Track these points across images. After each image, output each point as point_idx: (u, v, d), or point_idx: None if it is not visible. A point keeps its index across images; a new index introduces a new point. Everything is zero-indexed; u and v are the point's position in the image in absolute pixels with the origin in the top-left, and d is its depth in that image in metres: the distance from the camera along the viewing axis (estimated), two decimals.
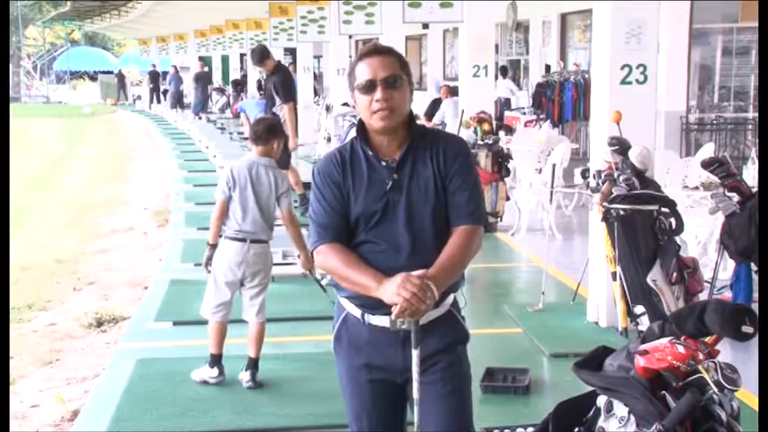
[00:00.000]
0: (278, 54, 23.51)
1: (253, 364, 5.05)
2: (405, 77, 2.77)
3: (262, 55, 9.48)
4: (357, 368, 2.87)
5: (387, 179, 2.76)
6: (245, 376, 5.02)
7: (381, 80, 2.71)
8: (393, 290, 2.59)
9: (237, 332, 5.23)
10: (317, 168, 2.86)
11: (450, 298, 2.87)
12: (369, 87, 2.72)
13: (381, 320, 2.73)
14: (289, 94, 9.55)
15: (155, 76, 32.94)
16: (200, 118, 25.72)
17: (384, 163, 2.78)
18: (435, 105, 14.78)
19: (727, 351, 3.27)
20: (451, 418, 2.81)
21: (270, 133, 5.21)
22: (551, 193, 7.75)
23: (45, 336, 6.68)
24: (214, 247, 5.07)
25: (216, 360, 5.08)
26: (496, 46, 17.94)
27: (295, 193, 10.43)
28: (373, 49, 2.80)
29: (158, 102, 31.27)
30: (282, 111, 9.48)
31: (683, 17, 12.14)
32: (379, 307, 2.67)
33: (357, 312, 2.83)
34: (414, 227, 2.74)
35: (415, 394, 2.71)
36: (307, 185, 10.88)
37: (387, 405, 2.89)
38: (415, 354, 2.69)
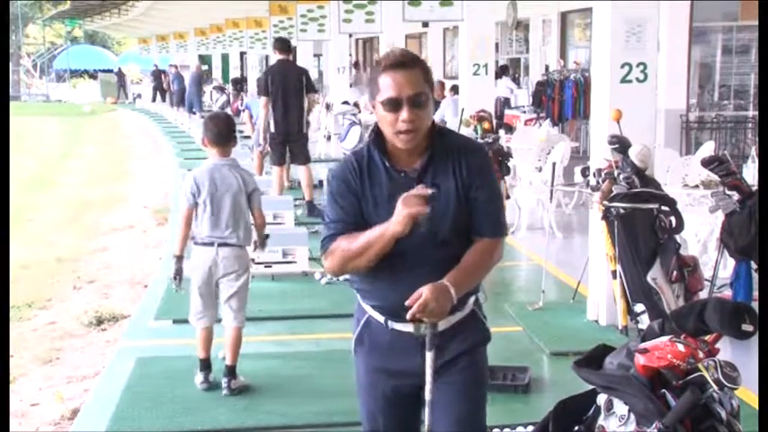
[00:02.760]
0: None
1: (228, 371, 4.93)
2: (429, 91, 2.67)
3: (289, 45, 10.45)
4: (377, 371, 2.83)
5: (407, 192, 2.64)
6: (222, 383, 4.91)
7: (407, 99, 2.60)
8: (398, 211, 2.55)
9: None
10: (332, 175, 2.78)
11: (473, 298, 2.83)
12: (394, 105, 2.61)
13: (405, 326, 2.70)
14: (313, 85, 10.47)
15: (157, 75, 32.94)
16: (194, 113, 25.74)
17: (403, 174, 2.69)
18: (435, 104, 14.76)
19: (727, 349, 3.26)
20: (465, 419, 2.79)
21: (232, 131, 5.02)
22: (551, 191, 7.74)
23: (45, 334, 6.68)
24: (181, 258, 4.94)
25: (202, 365, 5.00)
26: (496, 44, 17.95)
27: (296, 192, 10.43)
28: (399, 62, 2.65)
29: (163, 100, 31.27)
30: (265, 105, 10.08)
31: (684, 15, 12.13)
32: (403, 315, 2.62)
33: (380, 318, 2.79)
34: (436, 239, 2.67)
35: (427, 396, 2.68)
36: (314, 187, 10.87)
37: (403, 407, 2.86)
38: (428, 356, 2.66)
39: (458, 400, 2.79)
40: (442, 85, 14.29)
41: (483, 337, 2.88)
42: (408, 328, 2.69)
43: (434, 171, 2.70)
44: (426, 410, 2.71)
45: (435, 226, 2.65)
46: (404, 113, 2.61)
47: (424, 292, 2.56)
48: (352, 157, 2.79)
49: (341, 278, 5.70)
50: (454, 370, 2.78)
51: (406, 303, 2.58)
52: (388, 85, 2.62)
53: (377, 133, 2.74)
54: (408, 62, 2.67)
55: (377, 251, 2.65)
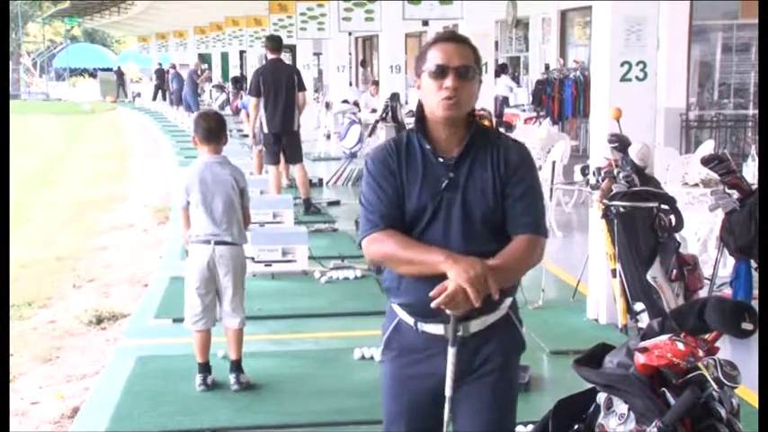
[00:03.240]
0: None
1: (235, 366, 4.94)
2: (477, 71, 2.68)
3: (281, 44, 10.42)
4: (406, 376, 2.77)
5: (442, 177, 2.65)
6: (231, 379, 4.93)
7: (454, 68, 2.62)
8: (464, 266, 2.48)
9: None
10: (370, 157, 2.76)
11: (509, 300, 2.78)
12: (439, 73, 2.62)
13: (435, 328, 2.66)
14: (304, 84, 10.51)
15: (161, 74, 32.96)
16: (192, 111, 25.75)
17: (441, 159, 2.67)
18: None
19: (726, 348, 3.27)
20: (493, 428, 2.76)
21: (223, 128, 4.95)
22: (551, 190, 7.76)
23: (45, 333, 6.68)
24: None
25: (201, 368, 4.96)
26: (496, 43, 17.95)
27: (295, 191, 10.42)
28: (450, 36, 2.71)
29: (164, 99, 31.27)
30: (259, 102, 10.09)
31: (683, 14, 12.14)
32: (433, 315, 2.59)
33: (410, 320, 2.73)
34: (466, 229, 2.63)
35: (447, 392, 2.64)
36: (311, 185, 10.85)
37: (428, 412, 2.77)
38: (451, 352, 2.61)
39: (487, 407, 2.74)
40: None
41: (517, 345, 2.83)
42: (439, 330, 2.65)
43: (472, 160, 2.68)
44: (446, 407, 2.66)
45: (468, 215, 2.64)
46: (448, 81, 2.61)
47: (450, 283, 2.49)
48: (390, 140, 2.79)
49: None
50: (485, 378, 2.72)
51: (431, 294, 2.51)
52: (436, 55, 2.65)
53: (420, 117, 2.73)
54: (459, 38, 2.73)
55: (421, 271, 2.60)
